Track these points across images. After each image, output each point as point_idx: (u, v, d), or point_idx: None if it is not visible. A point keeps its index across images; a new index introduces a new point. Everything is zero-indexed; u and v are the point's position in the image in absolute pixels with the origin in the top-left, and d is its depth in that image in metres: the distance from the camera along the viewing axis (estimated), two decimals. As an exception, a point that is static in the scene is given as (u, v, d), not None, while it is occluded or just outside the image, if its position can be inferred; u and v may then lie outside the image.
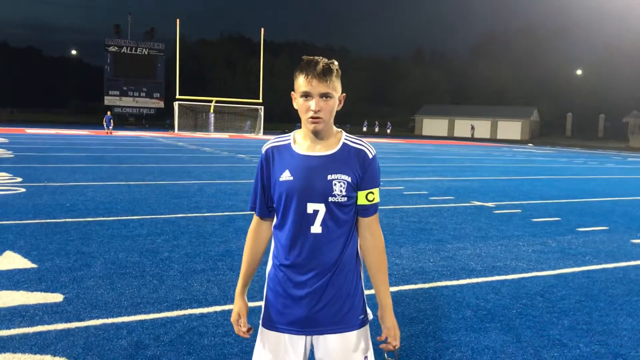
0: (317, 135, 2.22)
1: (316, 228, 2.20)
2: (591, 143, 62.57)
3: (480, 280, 6.09)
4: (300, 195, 2.19)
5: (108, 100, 66.95)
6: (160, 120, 69.54)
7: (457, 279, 6.08)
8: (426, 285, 5.81)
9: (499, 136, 76.03)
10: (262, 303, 2.36)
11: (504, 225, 9.38)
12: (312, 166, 2.20)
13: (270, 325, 2.29)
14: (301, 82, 2.16)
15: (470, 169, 21.64)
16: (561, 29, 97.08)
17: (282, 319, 2.26)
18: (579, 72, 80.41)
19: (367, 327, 2.34)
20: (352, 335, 2.27)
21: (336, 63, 2.21)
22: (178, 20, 50.99)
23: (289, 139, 2.30)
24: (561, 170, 23.23)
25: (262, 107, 54.21)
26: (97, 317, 4.53)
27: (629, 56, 78.16)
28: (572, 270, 6.63)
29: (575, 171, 22.83)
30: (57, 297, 4.97)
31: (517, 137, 74.65)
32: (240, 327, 2.36)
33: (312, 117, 2.16)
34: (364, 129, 71.26)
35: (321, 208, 2.19)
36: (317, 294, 2.23)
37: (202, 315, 4.69)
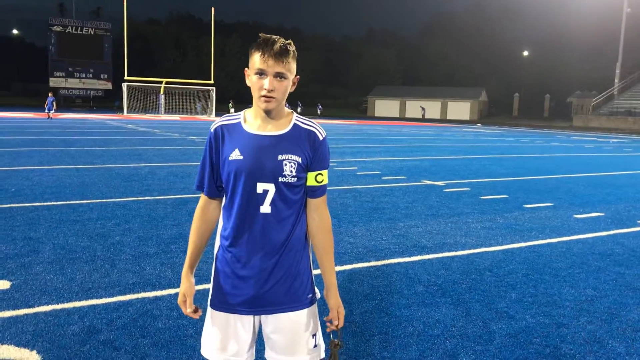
0: (268, 114, 2.20)
1: (265, 208, 2.20)
2: (537, 122, 64.31)
3: (431, 256, 6.23)
4: (249, 175, 2.17)
5: (53, 82, 64.76)
6: (109, 102, 67.76)
7: (409, 256, 6.20)
8: (379, 263, 5.92)
9: (449, 117, 77.25)
10: (210, 285, 2.36)
11: (453, 203, 9.59)
12: (262, 146, 2.19)
13: (218, 305, 2.29)
14: (256, 60, 2.14)
15: (420, 149, 21.97)
16: (508, 10, 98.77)
17: (231, 299, 2.26)
18: (525, 53, 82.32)
19: (315, 305, 2.36)
20: (300, 314, 2.29)
21: (293, 44, 2.19)
22: (125, -1, 49.53)
23: (239, 118, 2.27)
24: (508, 149, 23.84)
25: (214, 87, 53.52)
26: (47, 303, 4.44)
27: (573, 38, 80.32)
28: (519, 246, 6.86)
29: (522, 150, 23.47)
30: (3, 284, 4.84)
31: (467, 117, 76.04)
32: (186, 308, 2.32)
33: (264, 96, 2.14)
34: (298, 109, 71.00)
35: (271, 188, 2.19)
36: (266, 273, 2.23)
37: (156, 298, 4.66)
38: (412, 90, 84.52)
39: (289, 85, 2.19)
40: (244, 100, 74.68)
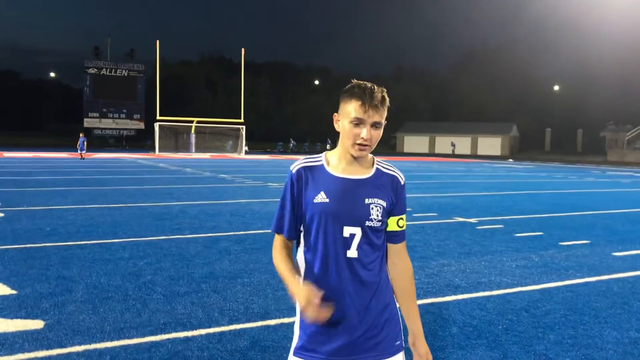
0: (356, 158, 2.20)
1: (352, 252, 2.15)
2: (570, 157, 63.38)
3: (465, 296, 6.09)
4: (336, 218, 2.14)
5: (87, 122, 66.44)
6: (141, 141, 69.11)
7: (443, 296, 6.08)
8: (412, 303, 5.79)
9: (480, 152, 76.76)
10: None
11: (487, 241, 9.42)
12: (348, 189, 2.16)
13: (304, 354, 2.19)
14: (354, 109, 2.11)
15: (451, 185, 21.78)
16: (537, 46, 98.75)
17: (319, 347, 2.17)
18: (556, 88, 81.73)
19: (403, 353, 2.29)
20: None
21: (386, 92, 2.19)
22: (158, 41, 51.01)
23: (321, 160, 2.24)
24: (542, 185, 23.47)
25: (244, 126, 54.25)
26: (80, 343, 4.44)
27: (604, 71, 79.60)
28: (556, 285, 6.67)
29: (556, 186, 23.08)
30: (37, 324, 4.87)
31: (498, 152, 75.44)
32: (315, 299, 2.02)
33: (360, 144, 2.13)
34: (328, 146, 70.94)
35: (357, 232, 2.15)
36: (355, 320, 2.16)
37: (187, 338, 4.63)
38: (442, 126, 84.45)
39: (381, 132, 2.18)
40: (273, 137, 75.56)
